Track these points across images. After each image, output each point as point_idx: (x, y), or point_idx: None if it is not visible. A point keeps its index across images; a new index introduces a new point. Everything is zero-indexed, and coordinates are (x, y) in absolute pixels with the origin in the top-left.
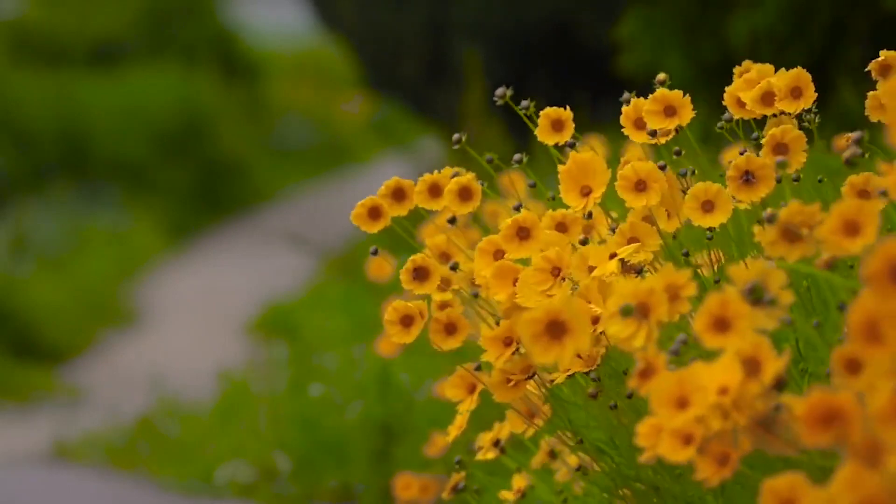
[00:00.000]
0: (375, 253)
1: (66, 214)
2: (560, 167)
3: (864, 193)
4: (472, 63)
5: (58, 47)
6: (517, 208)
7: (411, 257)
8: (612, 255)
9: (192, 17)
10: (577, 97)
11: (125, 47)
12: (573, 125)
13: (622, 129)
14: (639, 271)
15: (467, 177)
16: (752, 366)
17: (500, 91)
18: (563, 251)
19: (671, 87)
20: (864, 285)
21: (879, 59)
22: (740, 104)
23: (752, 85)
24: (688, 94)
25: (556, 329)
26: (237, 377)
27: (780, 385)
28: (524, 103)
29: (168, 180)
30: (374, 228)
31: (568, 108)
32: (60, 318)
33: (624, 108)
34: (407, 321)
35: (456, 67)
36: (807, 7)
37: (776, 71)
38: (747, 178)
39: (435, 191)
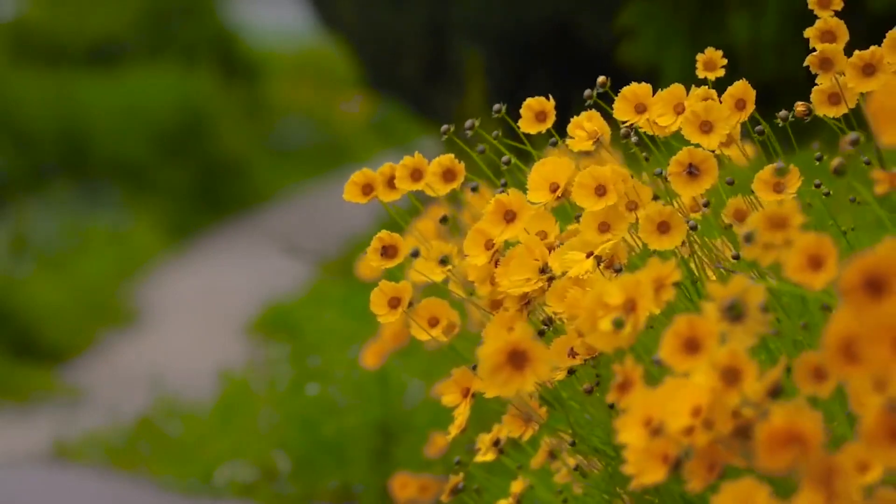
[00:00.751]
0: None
1: (66, 214)
2: (529, 177)
3: (778, 186)
4: (472, 63)
5: (58, 47)
6: (503, 185)
7: (377, 235)
8: (590, 254)
9: (192, 17)
10: (578, 97)
11: (125, 47)
12: (555, 116)
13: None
14: (618, 270)
15: (448, 157)
16: (731, 377)
17: (496, 107)
18: (551, 232)
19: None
20: (841, 299)
21: (816, 53)
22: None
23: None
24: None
25: (517, 359)
26: (237, 377)
27: (775, 392)
28: (496, 107)
29: (168, 180)
30: (365, 200)
31: (570, 105)
32: (60, 318)
33: (569, 128)
34: (394, 302)
35: (456, 67)
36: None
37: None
38: (691, 170)
39: (416, 175)
